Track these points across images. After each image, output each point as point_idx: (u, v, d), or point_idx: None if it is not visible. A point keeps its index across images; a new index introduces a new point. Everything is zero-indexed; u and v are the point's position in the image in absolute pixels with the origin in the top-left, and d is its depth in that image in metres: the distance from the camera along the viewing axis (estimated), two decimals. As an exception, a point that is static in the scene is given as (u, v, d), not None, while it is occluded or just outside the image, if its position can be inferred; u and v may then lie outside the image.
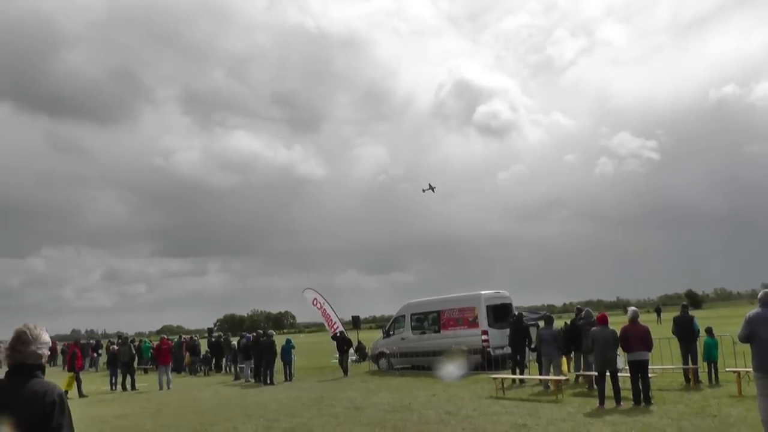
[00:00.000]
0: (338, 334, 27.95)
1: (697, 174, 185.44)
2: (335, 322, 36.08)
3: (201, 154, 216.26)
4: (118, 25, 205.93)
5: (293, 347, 27.55)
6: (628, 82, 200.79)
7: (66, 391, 17.86)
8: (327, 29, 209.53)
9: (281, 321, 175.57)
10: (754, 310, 9.79)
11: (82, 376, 25.61)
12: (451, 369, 22.10)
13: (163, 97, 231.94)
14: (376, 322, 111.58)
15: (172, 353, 29.20)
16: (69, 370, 25.22)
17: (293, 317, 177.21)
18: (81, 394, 24.70)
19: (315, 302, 37.19)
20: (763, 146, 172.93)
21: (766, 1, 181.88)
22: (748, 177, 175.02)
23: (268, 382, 25.61)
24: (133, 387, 26.34)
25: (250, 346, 27.99)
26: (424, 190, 73.40)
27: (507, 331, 22.01)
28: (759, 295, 9.93)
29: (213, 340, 37.63)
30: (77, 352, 25.56)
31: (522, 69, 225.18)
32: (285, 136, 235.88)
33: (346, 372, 26.44)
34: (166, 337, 30.41)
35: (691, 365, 17.42)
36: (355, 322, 43.01)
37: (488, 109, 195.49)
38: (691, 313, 18.93)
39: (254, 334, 29.77)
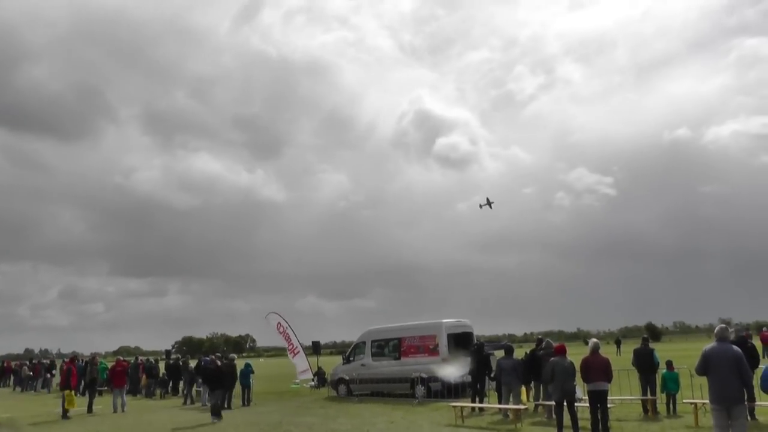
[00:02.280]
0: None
1: (652, 210, 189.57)
2: (296, 347, 35.85)
3: (162, 174, 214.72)
4: (82, 41, 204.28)
5: (252, 371, 27.24)
6: (585, 120, 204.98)
7: (66, 410, 17.42)
8: (289, 57, 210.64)
9: (241, 344, 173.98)
10: (710, 344, 10.13)
11: (35, 397, 24.96)
12: (451, 371, 21.95)
13: (126, 116, 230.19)
14: (337, 348, 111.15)
15: (128, 375, 28.65)
16: (63, 388, 24.43)
17: (254, 341, 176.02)
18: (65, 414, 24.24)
19: (279, 326, 36.91)
20: (717, 187, 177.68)
21: (719, 49, 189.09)
22: (703, 215, 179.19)
23: (226, 406, 25.21)
24: (89, 410, 25.61)
25: (210, 370, 27.52)
26: (481, 206, 72.66)
27: (468, 359, 21.98)
28: (715, 330, 10.25)
29: (171, 362, 37.03)
30: (73, 369, 24.82)
31: (482, 103, 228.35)
32: (247, 160, 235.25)
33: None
34: (121, 358, 29.81)
35: (650, 396, 17.57)
36: (315, 348, 42.63)
37: (448, 141, 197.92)
38: (651, 345, 19.09)
39: (213, 357, 29.35)
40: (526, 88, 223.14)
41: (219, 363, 25.67)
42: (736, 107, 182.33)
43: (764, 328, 43.89)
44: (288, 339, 36.37)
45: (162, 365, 37.99)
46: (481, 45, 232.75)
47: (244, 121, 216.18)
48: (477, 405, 19.96)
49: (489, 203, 71.62)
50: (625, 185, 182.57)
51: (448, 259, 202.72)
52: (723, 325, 10.37)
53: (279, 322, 37.05)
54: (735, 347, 10.02)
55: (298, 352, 35.75)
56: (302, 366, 35.49)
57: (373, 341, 27.35)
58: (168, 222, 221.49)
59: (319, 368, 34.85)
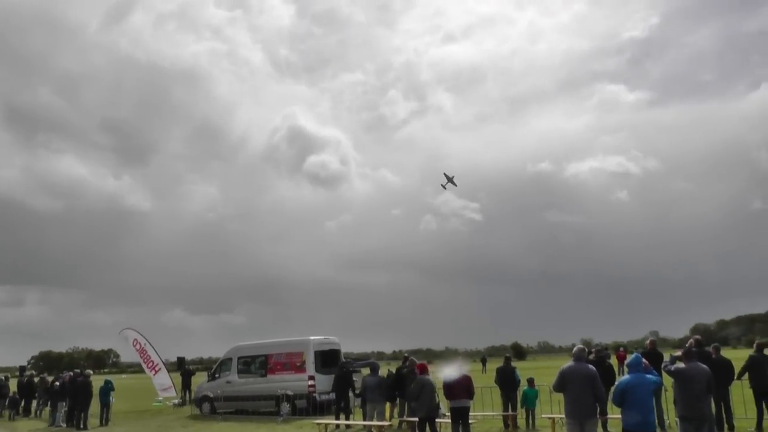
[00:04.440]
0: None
1: (516, 236, 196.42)
2: (157, 363, 34.67)
3: (21, 174, 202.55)
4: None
5: (112, 389, 26.13)
6: (455, 147, 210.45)
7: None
8: (160, 63, 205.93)
9: (103, 359, 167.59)
10: (568, 363, 10.79)
11: None
12: (452, 370, 21.68)
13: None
14: (203, 364, 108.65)
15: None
16: None
17: (117, 356, 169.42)
18: None
19: (135, 343, 35.46)
20: (576, 218, 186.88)
21: (583, 91, 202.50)
22: (563, 243, 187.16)
23: (82, 426, 24.13)
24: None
25: (66, 387, 26.24)
26: (444, 186, 71.15)
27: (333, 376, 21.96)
28: (573, 351, 10.81)
29: (24, 379, 35.10)
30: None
31: (355, 124, 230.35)
32: (113, 165, 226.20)
33: None
34: (-33, 376, 27.96)
35: (510, 412, 18.12)
36: (180, 364, 41.52)
37: (318, 159, 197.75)
38: (514, 363, 19.70)
39: (71, 373, 28.02)
40: (398, 113, 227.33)
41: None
42: (596, 146, 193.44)
43: (621, 348, 46.29)
44: (145, 356, 35.04)
45: (14, 383, 35.95)
46: (355, 67, 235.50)
47: (112, 124, 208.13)
48: (342, 422, 19.96)
49: (450, 180, 70.91)
50: (490, 211, 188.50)
51: (316, 276, 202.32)
52: (580, 346, 11.09)
53: (135, 339, 35.58)
54: (590, 366, 10.71)
55: (160, 369, 34.62)
56: (165, 383, 34.40)
57: (239, 358, 26.85)
58: (26, 226, 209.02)
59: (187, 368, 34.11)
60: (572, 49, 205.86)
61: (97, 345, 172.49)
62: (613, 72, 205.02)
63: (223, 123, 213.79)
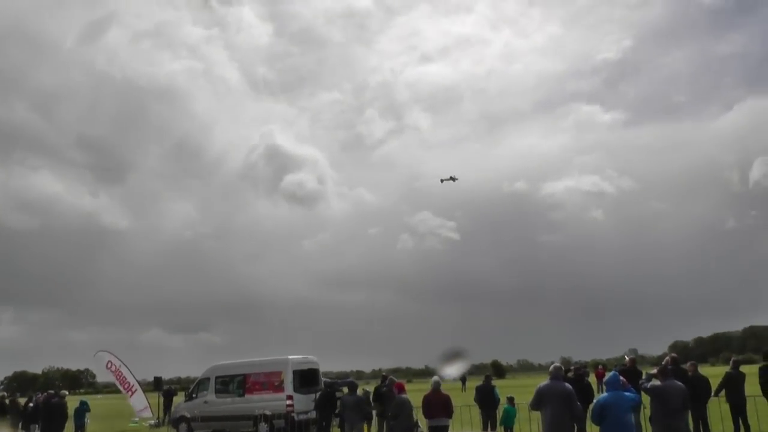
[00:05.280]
0: None
1: (493, 255, 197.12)
2: (133, 385, 34.29)
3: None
4: None
5: (88, 410, 25.83)
6: (432, 166, 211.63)
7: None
8: (137, 80, 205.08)
9: (79, 379, 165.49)
10: (545, 382, 10.94)
11: None
12: (450, 370, 21.56)
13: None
14: (181, 384, 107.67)
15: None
16: None
17: (93, 376, 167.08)
18: None
19: (110, 365, 35.04)
20: (553, 237, 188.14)
21: (561, 111, 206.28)
22: (541, 262, 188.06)
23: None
24: None
25: (39, 408, 25.87)
26: (442, 180, 72.30)
27: (313, 396, 21.86)
28: (549, 369, 10.91)
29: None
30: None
31: (332, 143, 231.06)
32: (90, 182, 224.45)
33: None
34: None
35: (489, 431, 18.14)
36: (157, 384, 41.09)
37: (295, 178, 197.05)
38: (494, 382, 19.75)
39: (45, 394, 27.64)
40: (375, 132, 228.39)
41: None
42: (572, 166, 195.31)
43: (600, 366, 46.53)
44: (120, 378, 34.63)
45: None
46: (332, 87, 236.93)
47: (88, 141, 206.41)
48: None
49: (452, 178, 72.28)
50: (467, 230, 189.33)
51: (294, 295, 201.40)
52: (557, 365, 11.16)
53: (110, 361, 35.16)
54: (567, 385, 10.82)
55: (136, 390, 34.24)
56: (141, 404, 34.02)
57: (217, 377, 26.58)
58: (1, 244, 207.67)
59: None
60: (547, 70, 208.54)
61: (73, 365, 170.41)
62: (588, 93, 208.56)
63: (201, 141, 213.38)
